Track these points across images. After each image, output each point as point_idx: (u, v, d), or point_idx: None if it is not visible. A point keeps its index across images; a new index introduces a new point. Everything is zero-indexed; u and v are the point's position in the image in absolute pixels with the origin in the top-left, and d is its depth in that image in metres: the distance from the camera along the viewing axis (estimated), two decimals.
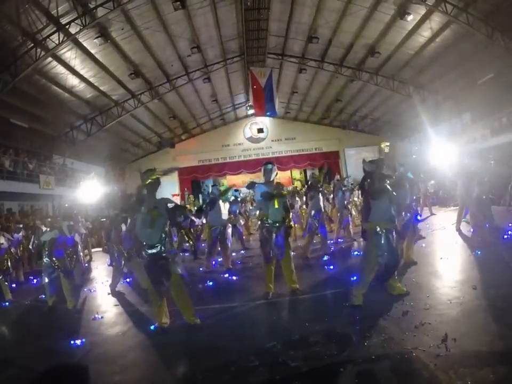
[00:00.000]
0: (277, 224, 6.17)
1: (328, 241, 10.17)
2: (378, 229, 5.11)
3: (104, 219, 14.75)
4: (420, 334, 3.98)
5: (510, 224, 9.22)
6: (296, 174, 32.73)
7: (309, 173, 32.07)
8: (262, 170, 6.53)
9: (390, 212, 5.19)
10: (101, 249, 14.82)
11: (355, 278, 5.60)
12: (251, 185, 6.66)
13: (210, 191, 10.30)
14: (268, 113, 20.34)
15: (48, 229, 8.13)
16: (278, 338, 4.28)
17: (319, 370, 3.58)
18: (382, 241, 5.07)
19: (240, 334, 4.62)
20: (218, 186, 10.29)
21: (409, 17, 14.87)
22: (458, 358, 3.47)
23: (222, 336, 4.66)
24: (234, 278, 7.93)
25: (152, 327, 5.06)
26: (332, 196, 12.76)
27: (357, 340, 4.06)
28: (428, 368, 3.35)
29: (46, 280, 7.01)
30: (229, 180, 31.71)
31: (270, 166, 6.43)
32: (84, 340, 4.89)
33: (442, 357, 3.45)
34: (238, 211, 12.29)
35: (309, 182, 10.92)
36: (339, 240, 11.20)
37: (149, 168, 5.42)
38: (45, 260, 7.08)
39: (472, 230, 9.03)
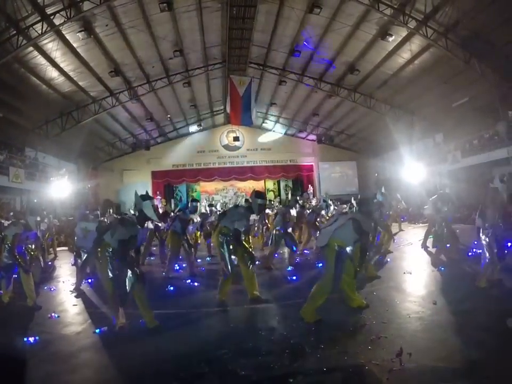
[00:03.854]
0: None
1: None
2: (335, 246, 5.04)
3: (72, 217, 14.45)
4: (375, 348, 3.96)
5: (475, 242, 9.39)
6: (270, 184, 32.93)
7: (282, 184, 32.35)
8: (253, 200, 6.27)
9: (351, 232, 5.05)
10: (66, 248, 14.47)
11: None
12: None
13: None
14: (244, 123, 20.25)
15: (9, 222, 7.88)
16: (231, 346, 4.21)
17: (268, 380, 3.52)
18: (338, 258, 4.99)
19: (194, 340, 4.53)
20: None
21: (391, 38, 15.30)
22: (412, 373, 3.45)
23: (176, 341, 4.57)
24: (196, 284, 7.83)
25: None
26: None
27: (310, 351, 3.99)
28: (379, 382, 3.33)
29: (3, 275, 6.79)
30: (202, 186, 31.66)
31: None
32: (37, 338, 4.75)
33: (395, 371, 3.42)
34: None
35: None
36: (305, 251, 11.22)
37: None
38: (5, 254, 6.84)
39: (436, 246, 9.13)
